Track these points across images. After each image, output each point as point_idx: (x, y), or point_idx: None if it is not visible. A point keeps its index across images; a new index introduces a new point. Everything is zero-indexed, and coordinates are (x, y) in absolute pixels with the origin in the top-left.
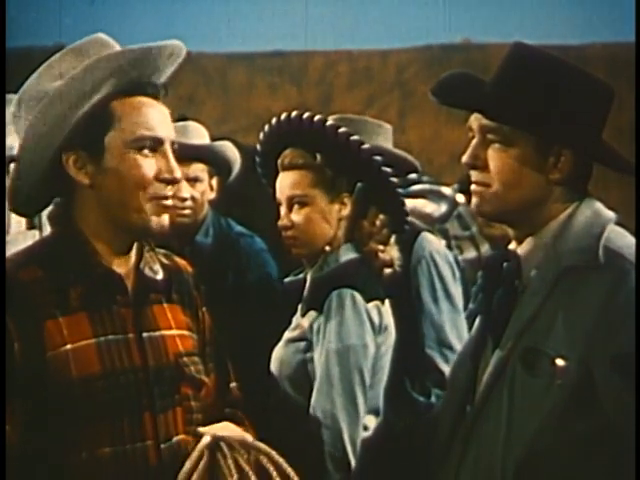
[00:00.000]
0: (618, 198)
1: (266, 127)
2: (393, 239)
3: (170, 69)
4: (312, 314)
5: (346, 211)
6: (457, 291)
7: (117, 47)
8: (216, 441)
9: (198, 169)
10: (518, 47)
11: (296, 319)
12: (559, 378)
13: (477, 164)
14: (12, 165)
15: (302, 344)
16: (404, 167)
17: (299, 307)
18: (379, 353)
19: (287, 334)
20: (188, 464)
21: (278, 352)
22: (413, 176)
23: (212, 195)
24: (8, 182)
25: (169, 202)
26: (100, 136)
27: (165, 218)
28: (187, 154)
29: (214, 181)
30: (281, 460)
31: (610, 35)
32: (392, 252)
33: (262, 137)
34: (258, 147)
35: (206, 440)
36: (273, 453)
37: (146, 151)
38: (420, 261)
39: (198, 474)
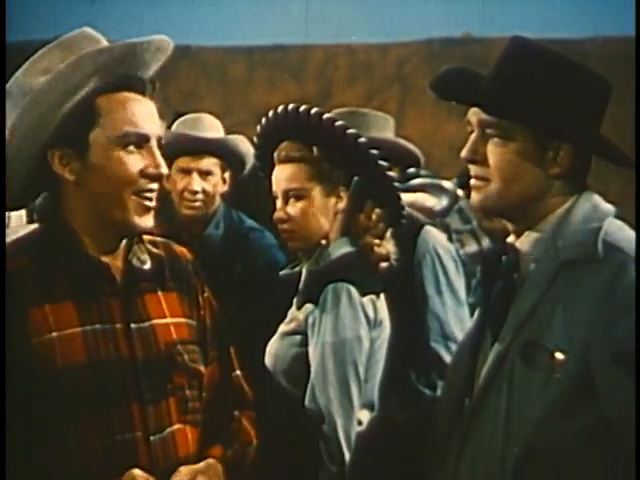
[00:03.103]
0: (618, 192)
1: (263, 120)
2: (389, 233)
3: (157, 64)
4: (308, 307)
5: (342, 205)
6: (461, 285)
7: (104, 41)
8: None
9: (210, 163)
10: (516, 41)
11: (291, 312)
12: (558, 372)
13: (476, 159)
14: None
15: (297, 338)
16: (407, 159)
17: (294, 300)
18: (374, 347)
19: (282, 327)
20: None
21: (273, 346)
22: (413, 170)
23: (224, 188)
24: None
25: (152, 203)
26: (85, 133)
27: (149, 219)
28: (199, 147)
29: (227, 174)
30: None
31: (610, 29)
32: (388, 246)
33: (259, 130)
34: (255, 140)
35: None
36: None
37: (131, 147)
38: (424, 255)
39: None
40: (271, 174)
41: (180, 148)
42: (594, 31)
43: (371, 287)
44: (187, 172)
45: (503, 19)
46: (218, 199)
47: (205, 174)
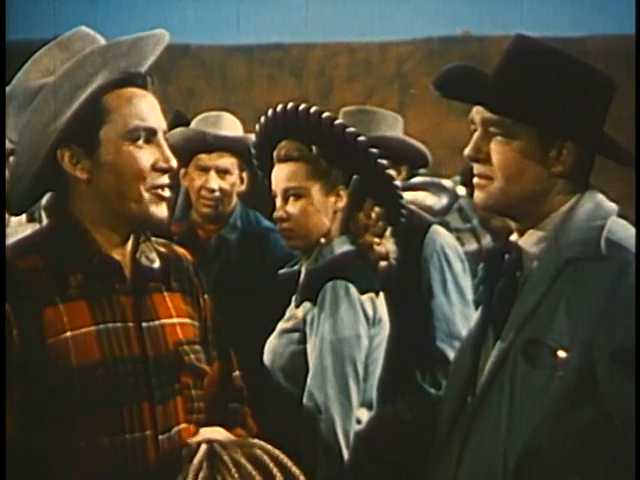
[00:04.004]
0: (618, 190)
1: (262, 119)
2: (389, 232)
3: (153, 57)
4: (306, 305)
5: (341, 203)
6: (468, 284)
7: (100, 39)
8: (211, 446)
9: (228, 161)
10: (519, 39)
11: (290, 310)
12: (560, 370)
13: (479, 157)
14: (11, 158)
15: (296, 335)
16: (415, 158)
17: (293, 298)
18: (372, 345)
19: (281, 325)
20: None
21: (271, 343)
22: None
23: (242, 188)
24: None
25: (166, 194)
26: (94, 130)
27: (164, 209)
28: (218, 145)
29: (244, 174)
30: (277, 452)
31: (610, 27)
32: (388, 245)
33: (258, 129)
34: (254, 139)
35: (203, 450)
36: (268, 447)
37: (140, 142)
38: (431, 254)
39: None
40: (270, 173)
41: (199, 145)
42: (594, 29)
43: (370, 285)
44: (205, 170)
45: (503, 17)
46: (235, 198)
47: (223, 172)
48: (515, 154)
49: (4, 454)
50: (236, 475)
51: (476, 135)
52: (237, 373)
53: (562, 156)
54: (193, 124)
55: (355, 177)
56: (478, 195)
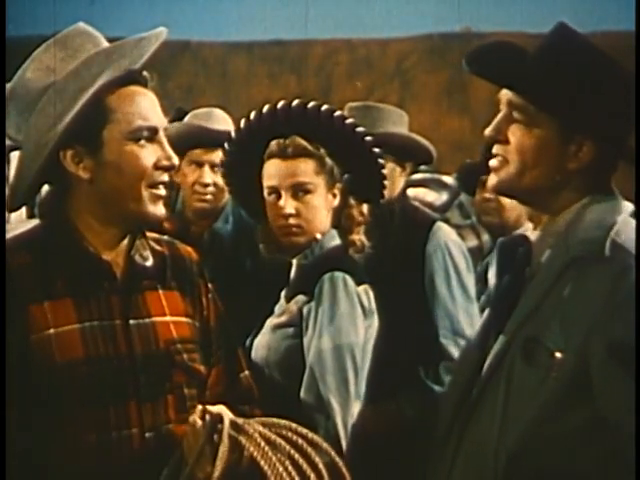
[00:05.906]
0: (618, 188)
1: (252, 116)
2: (363, 227)
3: (149, 54)
4: (300, 299)
5: (337, 200)
6: (471, 281)
7: (99, 35)
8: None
9: (221, 156)
10: (561, 29)
11: (280, 306)
12: (555, 371)
13: (499, 138)
14: (12, 154)
15: (291, 330)
16: (420, 154)
17: (283, 293)
18: (367, 337)
19: (273, 320)
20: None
21: (264, 339)
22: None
23: None
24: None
25: (163, 192)
26: (98, 130)
27: (161, 207)
28: (211, 140)
29: None
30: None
31: (610, 24)
32: (361, 237)
33: (247, 125)
34: (235, 136)
35: (227, 423)
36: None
37: (143, 141)
38: (435, 250)
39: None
40: (253, 169)
41: (193, 140)
42: (594, 26)
43: (364, 277)
44: (199, 165)
45: (503, 14)
46: (226, 193)
47: (216, 167)
48: (534, 141)
49: (4, 454)
50: (262, 443)
51: (499, 115)
52: (246, 372)
53: (581, 153)
54: (185, 121)
55: (347, 175)
56: (493, 177)
